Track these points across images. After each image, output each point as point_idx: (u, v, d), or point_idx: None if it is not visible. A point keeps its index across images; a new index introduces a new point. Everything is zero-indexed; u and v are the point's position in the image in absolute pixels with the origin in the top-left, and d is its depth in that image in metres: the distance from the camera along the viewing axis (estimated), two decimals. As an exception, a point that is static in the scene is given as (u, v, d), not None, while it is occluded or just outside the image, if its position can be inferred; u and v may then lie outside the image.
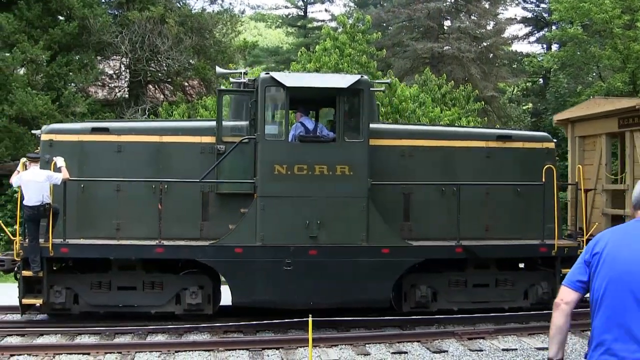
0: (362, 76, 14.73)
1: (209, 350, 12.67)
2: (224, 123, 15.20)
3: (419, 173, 15.41)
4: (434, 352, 12.62)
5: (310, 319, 11.29)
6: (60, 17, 32.01)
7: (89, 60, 31.17)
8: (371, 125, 14.74)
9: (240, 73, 15.80)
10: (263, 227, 14.12)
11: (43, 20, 30.67)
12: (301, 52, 29.84)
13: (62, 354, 12.40)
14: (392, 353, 12.58)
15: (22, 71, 29.35)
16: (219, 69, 17.32)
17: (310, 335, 11.28)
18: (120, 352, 12.45)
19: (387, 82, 19.30)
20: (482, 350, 12.78)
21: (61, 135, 15.06)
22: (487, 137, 16.03)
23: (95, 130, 15.19)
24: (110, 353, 12.46)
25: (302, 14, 56.25)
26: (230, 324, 14.34)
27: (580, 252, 15.06)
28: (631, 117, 16.40)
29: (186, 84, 35.32)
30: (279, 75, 14.45)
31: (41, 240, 13.84)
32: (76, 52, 31.40)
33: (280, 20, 57.63)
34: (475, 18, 44.44)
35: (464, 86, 33.00)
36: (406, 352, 12.63)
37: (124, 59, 33.54)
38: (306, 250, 14.20)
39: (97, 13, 30.85)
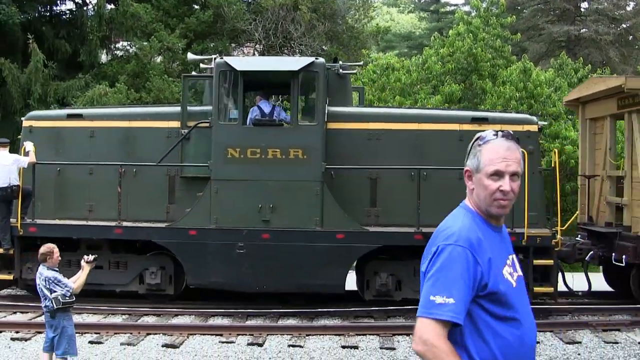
0: (316, 58, 14.57)
1: (339, 335, 12.80)
2: (189, 108, 15.36)
3: (387, 157, 14.82)
4: (567, 343, 12.37)
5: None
6: (196, 6, 32.82)
7: (223, 47, 31.81)
8: (336, 109, 14.62)
9: (211, 59, 15.62)
10: (217, 210, 14.26)
11: (179, 9, 31.56)
12: (434, 37, 29.64)
13: (195, 334, 12.78)
14: (524, 342, 12.41)
15: (159, 59, 30.27)
16: (190, 55, 17.20)
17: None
18: (252, 334, 12.73)
19: (359, 64, 18.40)
20: (617, 343, 12.44)
21: (39, 121, 15.72)
22: (460, 119, 15.25)
23: (70, 117, 15.75)
24: (242, 335, 12.76)
25: (435, -2, 55.75)
26: (361, 309, 14.45)
27: (555, 242, 14.25)
28: (627, 98, 15.04)
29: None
30: (232, 60, 14.58)
31: (12, 220, 14.68)
32: (211, 39, 32.13)
33: (413, 5, 57.47)
34: (614, -1, 43.07)
35: (602, 70, 32.05)
36: (538, 342, 12.44)
37: (257, 46, 34.06)
38: (259, 234, 14.16)
39: (231, 1, 31.45)
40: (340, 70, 15.56)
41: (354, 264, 14.97)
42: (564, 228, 15.01)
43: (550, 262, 14.25)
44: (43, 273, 9.37)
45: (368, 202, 15.02)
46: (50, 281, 9.30)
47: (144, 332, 12.80)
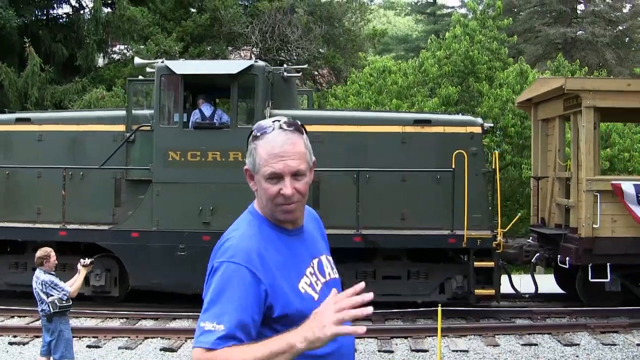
0: (255, 61, 14.76)
1: (337, 338, 12.78)
2: (135, 112, 15.44)
3: (329, 160, 14.60)
4: (565, 345, 12.38)
5: (439, 308, 11.29)
6: (193, 10, 32.82)
7: (220, 50, 31.83)
8: (279, 112, 14.59)
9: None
10: (158, 213, 14.43)
11: (176, 12, 31.54)
12: (431, 39, 29.67)
13: (193, 337, 12.72)
14: (522, 345, 12.42)
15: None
16: (137, 60, 17.23)
17: (439, 325, 11.26)
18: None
19: (304, 67, 18.48)
20: (615, 345, 12.44)
21: None
22: (403, 121, 15.21)
23: (18, 121, 15.88)
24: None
25: (432, 0, 55.84)
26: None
27: (496, 245, 14.14)
28: (572, 98, 15.00)
29: (316, 72, 35.58)
30: (172, 64, 14.71)
31: None
32: (208, 43, 32.13)
33: (410, 8, 57.50)
34: (610, 1, 43.11)
35: (598, 72, 32.11)
36: (536, 344, 12.45)
37: (254, 49, 34.05)
38: (199, 236, 14.21)
39: (228, 4, 31.45)
40: (285, 74, 15.65)
41: None
42: (506, 230, 15.04)
43: (491, 264, 14.33)
44: (40, 277, 9.35)
45: (310, 204, 14.86)
46: (47, 285, 9.29)
47: (142, 336, 12.80)
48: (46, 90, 25.98)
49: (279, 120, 3.24)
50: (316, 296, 3.23)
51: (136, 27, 28.85)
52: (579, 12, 43.88)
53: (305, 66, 21.11)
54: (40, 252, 9.52)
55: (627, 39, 43.73)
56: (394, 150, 14.81)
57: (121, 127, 15.29)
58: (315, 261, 3.42)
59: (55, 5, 30.62)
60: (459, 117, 16.52)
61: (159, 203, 14.52)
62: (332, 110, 19.02)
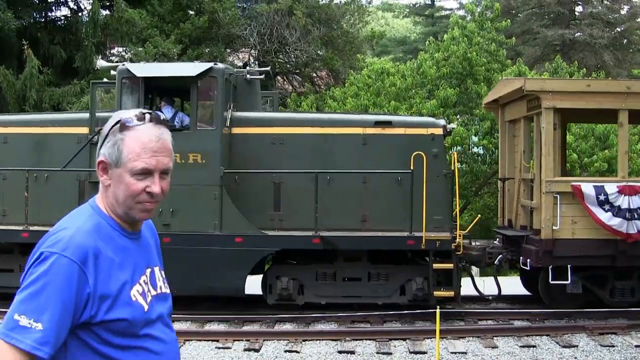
0: (215, 64, 14.84)
1: (336, 340, 12.81)
2: (99, 114, 15.50)
3: (291, 161, 14.99)
4: (564, 347, 12.37)
5: (438, 310, 11.30)
6: (191, 12, 32.84)
7: (218, 53, 31.83)
8: (241, 113, 14.95)
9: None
10: None
11: (174, 15, 31.58)
12: (429, 41, 29.64)
13: (191, 340, 12.77)
14: (521, 346, 12.42)
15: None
16: (99, 62, 17.38)
17: (437, 327, 11.27)
18: (249, 340, 12.70)
19: (265, 69, 18.73)
20: (613, 346, 12.43)
21: None
22: (364, 123, 15.33)
23: None
24: (239, 340, 12.74)
25: (430, 2, 55.92)
26: (358, 313, 14.47)
27: (455, 246, 14.05)
28: (534, 99, 14.95)
29: (314, 74, 35.61)
30: (133, 66, 14.85)
31: None
32: (206, 45, 32.14)
33: (408, 10, 57.53)
34: (608, 2, 43.14)
35: (596, 74, 32.13)
36: (535, 346, 12.45)
37: (252, 51, 34.07)
38: (159, 238, 14.14)
39: (226, 7, 31.47)
40: (248, 76, 15.82)
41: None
42: (466, 231, 15.09)
43: (450, 266, 14.42)
44: None
45: (272, 206, 15.20)
46: None
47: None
48: (44, 93, 25.99)
49: (149, 113, 3.03)
50: (146, 307, 3.06)
51: (134, 29, 28.85)
52: (577, 13, 43.91)
53: (268, 68, 21.21)
54: None
55: (626, 40, 43.76)
56: (355, 151, 15.01)
57: (85, 130, 15.39)
58: (148, 271, 3.22)
59: (53, 8, 30.66)
60: (420, 118, 16.81)
61: None
62: (293, 112, 19.09)
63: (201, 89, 14.84)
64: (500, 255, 15.33)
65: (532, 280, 15.82)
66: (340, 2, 36.27)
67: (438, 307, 11.48)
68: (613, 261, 14.40)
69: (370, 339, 12.91)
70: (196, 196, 14.51)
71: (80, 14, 30.55)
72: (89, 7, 29.36)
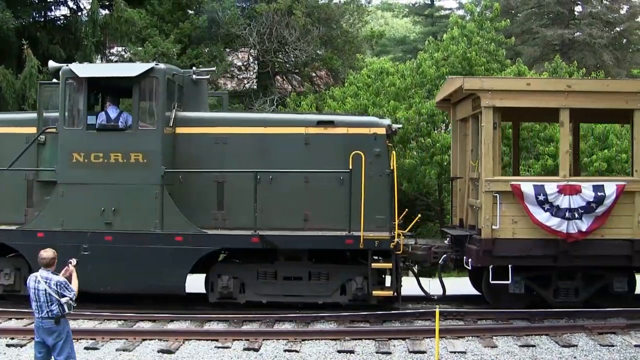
0: (156, 64, 14.96)
1: (335, 339, 12.81)
2: (47, 114, 15.64)
3: (234, 161, 15.16)
4: (563, 346, 12.38)
5: (437, 310, 11.29)
6: (190, 11, 32.84)
7: (218, 52, 31.87)
8: (186, 113, 15.24)
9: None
10: (63, 213, 14.72)
11: (173, 14, 31.61)
12: (428, 41, 29.67)
13: (191, 339, 12.79)
14: (520, 346, 12.42)
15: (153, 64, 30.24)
16: (51, 63, 17.38)
17: (437, 326, 11.27)
18: (248, 340, 12.71)
19: (212, 69, 18.71)
20: (613, 346, 12.44)
21: None
22: (306, 122, 15.50)
23: None
24: (238, 340, 12.75)
25: (429, 2, 55.89)
26: (357, 313, 14.46)
27: (393, 245, 13.81)
28: (477, 98, 14.86)
29: (314, 74, 35.60)
30: (76, 67, 14.96)
31: None
32: (205, 44, 32.15)
33: (407, 10, 57.50)
34: (607, 2, 43.14)
35: (596, 74, 32.12)
36: (534, 346, 12.44)
37: (252, 51, 34.09)
38: (102, 236, 14.60)
39: (226, 6, 31.49)
40: (194, 76, 15.98)
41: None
42: (406, 230, 15.11)
43: (389, 265, 14.50)
44: (52, 278, 9.29)
45: (215, 205, 15.35)
46: (62, 285, 9.27)
47: (140, 338, 12.81)
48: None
49: None
50: None
51: (134, 29, 28.81)
52: (576, 13, 43.92)
53: (214, 68, 21.28)
54: (50, 253, 9.44)
55: (625, 40, 43.76)
56: (297, 151, 15.18)
57: (33, 130, 15.60)
58: None
59: (52, 7, 30.58)
60: (363, 118, 16.79)
61: (64, 204, 14.80)
62: (237, 112, 19.16)
63: (142, 89, 15.00)
64: (445, 255, 15.41)
65: (480, 280, 15.82)
66: (340, 1, 36.30)
67: (438, 306, 11.47)
68: (555, 261, 14.34)
69: (369, 339, 12.91)
70: (138, 195, 14.73)
71: (79, 13, 30.46)
72: (88, 7, 29.30)
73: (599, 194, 13.91)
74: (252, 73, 35.60)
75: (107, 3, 30.31)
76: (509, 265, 14.25)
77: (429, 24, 54.84)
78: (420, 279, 15.64)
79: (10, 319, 14.38)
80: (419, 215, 16.54)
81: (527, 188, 13.96)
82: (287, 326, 14.01)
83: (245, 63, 35.50)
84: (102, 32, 28.61)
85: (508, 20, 31.33)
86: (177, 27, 31.11)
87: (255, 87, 34.86)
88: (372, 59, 32.39)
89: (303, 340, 12.81)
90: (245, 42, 32.87)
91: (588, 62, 38.80)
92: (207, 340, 12.76)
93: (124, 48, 31.44)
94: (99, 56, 31.75)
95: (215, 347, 12.36)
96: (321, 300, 14.96)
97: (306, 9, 33.05)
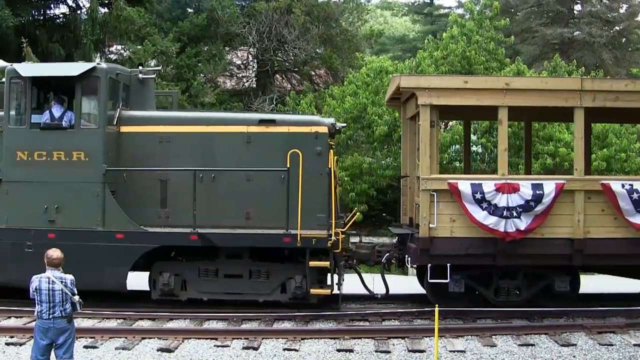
0: (98, 63, 15.17)
1: (334, 338, 12.82)
2: None
3: (177, 159, 15.26)
4: (562, 346, 12.38)
5: (436, 309, 11.29)
6: (189, 10, 32.84)
7: (217, 51, 31.90)
8: (131, 112, 15.45)
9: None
10: (7, 211, 14.88)
11: (173, 13, 31.64)
12: (428, 39, 29.67)
13: (190, 338, 12.79)
14: (519, 345, 12.42)
15: (152, 63, 30.28)
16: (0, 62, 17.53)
17: (436, 325, 11.27)
18: (247, 338, 12.73)
19: (157, 69, 18.75)
20: (612, 345, 12.45)
21: None
22: (248, 121, 15.57)
23: None
24: (238, 339, 12.76)
25: (429, 1, 55.92)
26: (356, 312, 14.46)
27: (331, 244, 13.85)
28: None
29: (313, 73, 35.63)
30: (20, 66, 15.22)
31: None
32: (205, 43, 32.19)
33: (407, 8, 57.56)
34: (607, 1, 43.12)
35: (595, 73, 32.10)
36: (533, 345, 12.45)
37: (251, 49, 34.11)
38: (45, 234, 14.69)
39: (225, 5, 31.50)
40: (141, 76, 16.10)
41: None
42: (344, 229, 15.07)
43: (326, 264, 14.58)
44: (66, 277, 9.36)
45: (159, 203, 15.43)
46: (74, 283, 9.40)
47: (139, 337, 12.80)
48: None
49: None
50: None
51: (133, 27, 28.84)
52: (576, 12, 43.92)
53: (159, 68, 21.29)
54: (59, 253, 9.49)
55: (624, 39, 43.76)
56: (239, 149, 15.28)
57: None
58: None
59: (52, 6, 30.60)
60: (304, 117, 16.93)
61: (8, 201, 14.96)
62: (181, 111, 19.21)
63: (84, 88, 15.09)
64: (387, 254, 15.42)
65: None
66: (339, 0, 36.27)
67: (437, 305, 11.48)
68: (493, 260, 14.28)
69: (368, 337, 12.92)
70: (80, 193, 14.85)
71: (79, 11, 30.52)
72: (87, 5, 29.36)
73: (538, 192, 13.80)
74: (251, 72, 35.64)
75: (106, 1, 30.31)
76: (448, 264, 14.23)
77: (429, 22, 54.85)
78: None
79: (10, 317, 14.38)
80: (358, 213, 16.45)
81: (464, 186, 13.86)
82: (286, 325, 14.02)
83: (244, 62, 35.53)
84: (101, 31, 28.63)
85: (507, 19, 31.28)
86: (176, 26, 31.13)
87: (254, 85, 34.89)
88: (371, 57, 32.35)
89: (302, 339, 12.81)
90: (245, 41, 32.90)
91: (587, 61, 38.79)
92: (206, 339, 12.76)
93: (123, 46, 31.45)
94: (98, 54, 31.75)
95: (214, 345, 12.36)
96: (261, 298, 15.07)
97: (305, 8, 33.06)
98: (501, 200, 13.76)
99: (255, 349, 12.17)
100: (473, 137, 24.82)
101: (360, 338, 12.90)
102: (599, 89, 14.34)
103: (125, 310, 14.78)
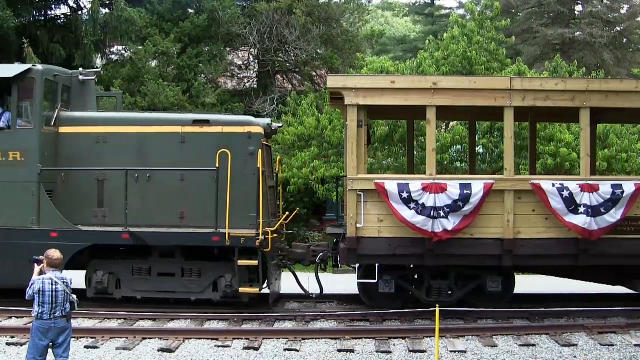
0: (34, 65, 15.49)
1: (335, 339, 12.83)
2: None
3: (114, 159, 15.44)
4: (563, 346, 12.39)
5: (437, 309, 11.29)
6: (190, 10, 32.85)
7: (218, 51, 31.89)
8: (70, 113, 15.69)
9: None
10: None
11: (174, 13, 31.62)
12: (429, 40, 29.63)
13: (191, 338, 12.81)
14: (520, 345, 12.43)
15: (154, 64, 30.33)
16: None
17: (437, 326, 11.27)
18: (248, 338, 12.75)
19: (97, 70, 18.82)
20: (613, 345, 12.45)
21: None
22: (182, 122, 15.72)
23: None
24: (238, 339, 12.79)
25: (430, 1, 55.87)
26: (357, 312, 14.47)
27: (259, 243, 13.93)
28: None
29: (314, 73, 35.58)
30: None
31: None
32: (206, 44, 32.17)
33: (408, 9, 57.50)
34: (608, 2, 43.09)
35: (596, 73, 32.07)
36: (534, 345, 12.46)
37: (252, 50, 34.07)
38: None
39: (226, 5, 31.49)
40: (81, 77, 16.34)
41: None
42: (274, 228, 15.15)
43: (255, 262, 14.69)
44: (66, 277, 9.45)
45: (96, 203, 15.58)
46: (71, 283, 9.45)
47: (140, 337, 12.82)
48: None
49: None
50: None
51: (134, 28, 28.85)
52: (577, 13, 43.86)
53: (100, 70, 21.36)
54: (60, 254, 9.60)
55: (625, 39, 43.72)
56: (174, 150, 15.46)
57: None
58: None
59: (53, 6, 30.62)
60: (238, 117, 17.18)
61: None
62: (117, 112, 19.31)
63: (20, 90, 15.28)
64: (321, 254, 15.47)
65: None
66: (340, 0, 36.25)
67: (437, 305, 11.48)
68: (422, 260, 14.28)
69: (369, 338, 12.94)
70: (16, 192, 15.06)
71: (80, 12, 30.52)
72: (88, 6, 29.36)
73: (466, 192, 13.75)
74: (252, 72, 35.62)
75: (107, 2, 30.33)
76: (376, 264, 14.27)
77: (430, 23, 54.80)
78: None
79: (11, 317, 14.40)
80: (297, 210, 16.49)
81: (391, 186, 13.83)
82: (287, 325, 14.04)
83: (245, 62, 35.50)
84: (102, 31, 28.67)
85: (508, 19, 31.26)
86: (177, 26, 31.13)
87: (255, 86, 34.85)
88: (372, 58, 32.31)
89: (303, 339, 12.83)
90: (246, 41, 32.87)
91: (588, 62, 38.75)
92: (207, 339, 12.79)
93: (124, 47, 31.47)
94: (99, 55, 31.79)
95: (215, 346, 12.38)
96: (194, 296, 15.22)
97: (306, 8, 33.03)
98: (428, 200, 13.73)
99: (256, 349, 12.18)
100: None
101: (361, 338, 12.93)
102: (528, 88, 14.32)
103: (126, 311, 14.79)
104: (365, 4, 39.42)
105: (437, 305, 11.51)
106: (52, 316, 9.23)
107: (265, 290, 15.23)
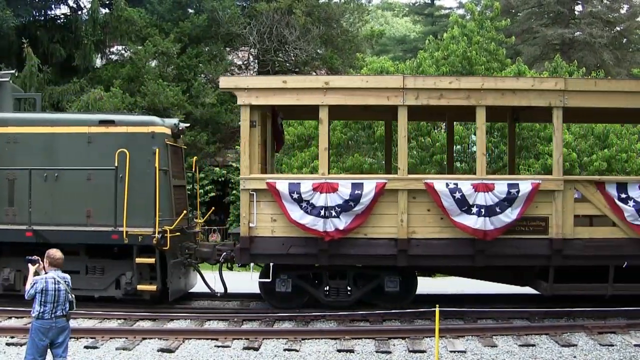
0: None
1: (335, 339, 12.82)
2: None
3: (24, 159, 15.59)
4: (563, 346, 12.38)
5: (437, 309, 11.29)
6: (190, 10, 32.85)
7: (218, 51, 31.89)
8: None
9: None
10: None
11: (173, 13, 31.62)
12: (429, 40, 29.63)
13: (191, 338, 12.80)
14: (520, 345, 12.42)
15: (153, 63, 30.33)
16: None
17: (437, 326, 11.27)
18: (248, 339, 12.73)
19: (11, 72, 19.06)
20: (612, 345, 12.44)
21: None
22: (89, 122, 15.80)
23: None
24: (238, 339, 12.77)
25: (430, 1, 55.89)
26: (357, 312, 14.47)
27: (156, 241, 14.15)
28: None
29: (314, 73, 35.58)
30: None
31: None
32: (205, 44, 32.17)
33: (407, 9, 57.46)
34: (607, 2, 43.09)
35: (596, 73, 32.08)
36: (534, 345, 12.45)
37: (252, 50, 34.09)
38: None
39: (226, 5, 31.50)
40: None
41: None
42: (172, 227, 15.16)
43: (152, 260, 14.89)
44: (67, 277, 9.47)
45: (6, 202, 15.73)
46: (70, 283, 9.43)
47: (140, 337, 12.81)
48: (44, 91, 25.98)
49: None
50: None
51: (134, 28, 28.87)
52: (576, 13, 43.87)
53: (13, 71, 21.53)
54: (61, 253, 9.61)
55: (625, 39, 43.72)
56: (81, 149, 15.55)
57: None
58: None
59: (53, 6, 30.64)
60: (142, 117, 17.05)
61: None
62: (27, 113, 19.42)
63: None
64: (225, 253, 15.50)
65: None
66: (340, 0, 36.26)
67: (437, 305, 11.48)
68: (316, 260, 14.31)
69: (369, 338, 12.92)
70: None
71: (79, 12, 30.57)
72: (88, 6, 29.40)
73: (357, 192, 13.80)
74: (252, 72, 35.61)
75: (107, 2, 30.35)
76: (271, 264, 14.39)
77: (429, 23, 54.82)
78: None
79: (10, 317, 14.40)
80: (185, 212, 16.52)
81: (282, 186, 13.93)
82: (287, 325, 14.03)
83: (245, 62, 35.51)
84: (102, 31, 28.71)
85: (508, 19, 31.26)
86: (177, 26, 31.13)
87: (255, 86, 34.84)
88: (372, 58, 32.32)
89: (303, 339, 12.82)
90: (246, 41, 32.90)
91: (588, 62, 38.76)
92: (207, 339, 12.77)
93: (124, 47, 31.47)
94: (99, 55, 31.80)
95: (215, 346, 12.37)
96: (97, 294, 15.43)
97: (306, 8, 33.05)
98: (319, 199, 13.80)
99: (256, 349, 12.17)
100: (473, 138, 24.81)
101: (360, 338, 12.91)
102: (422, 86, 14.32)
103: (126, 311, 14.80)
104: (365, 4, 39.47)
105: (437, 306, 11.50)
106: (53, 315, 9.22)
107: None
